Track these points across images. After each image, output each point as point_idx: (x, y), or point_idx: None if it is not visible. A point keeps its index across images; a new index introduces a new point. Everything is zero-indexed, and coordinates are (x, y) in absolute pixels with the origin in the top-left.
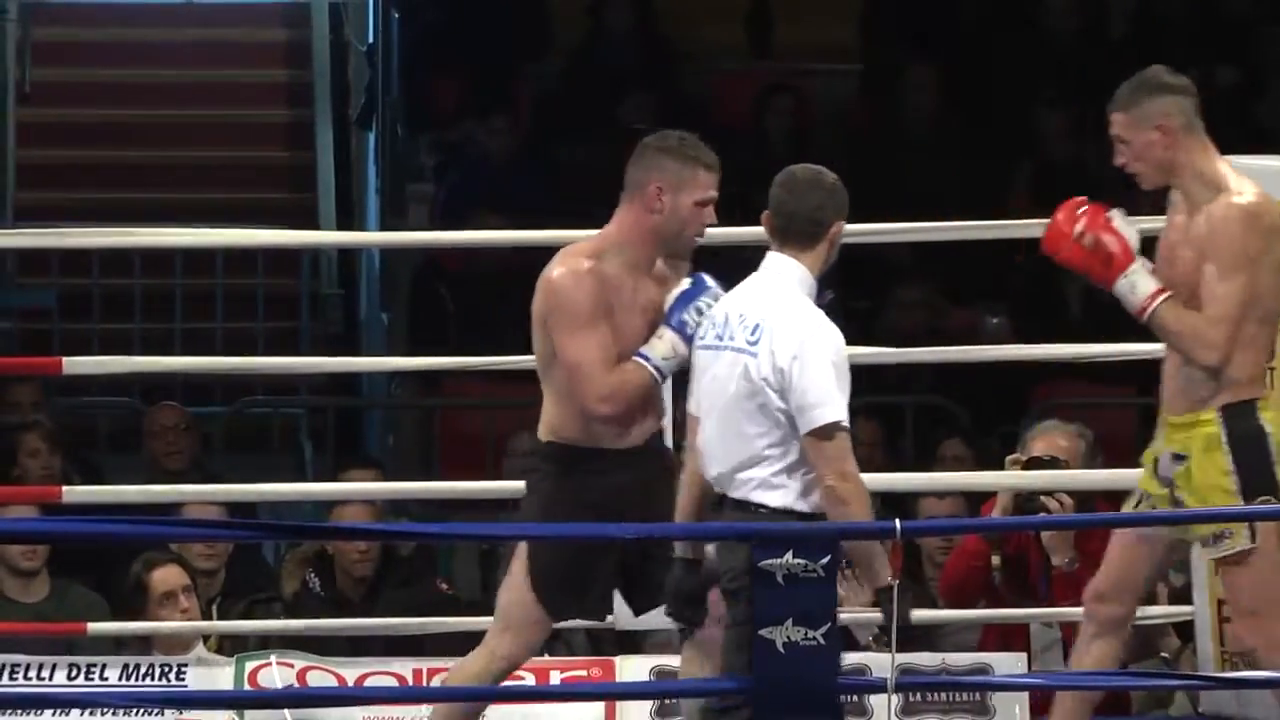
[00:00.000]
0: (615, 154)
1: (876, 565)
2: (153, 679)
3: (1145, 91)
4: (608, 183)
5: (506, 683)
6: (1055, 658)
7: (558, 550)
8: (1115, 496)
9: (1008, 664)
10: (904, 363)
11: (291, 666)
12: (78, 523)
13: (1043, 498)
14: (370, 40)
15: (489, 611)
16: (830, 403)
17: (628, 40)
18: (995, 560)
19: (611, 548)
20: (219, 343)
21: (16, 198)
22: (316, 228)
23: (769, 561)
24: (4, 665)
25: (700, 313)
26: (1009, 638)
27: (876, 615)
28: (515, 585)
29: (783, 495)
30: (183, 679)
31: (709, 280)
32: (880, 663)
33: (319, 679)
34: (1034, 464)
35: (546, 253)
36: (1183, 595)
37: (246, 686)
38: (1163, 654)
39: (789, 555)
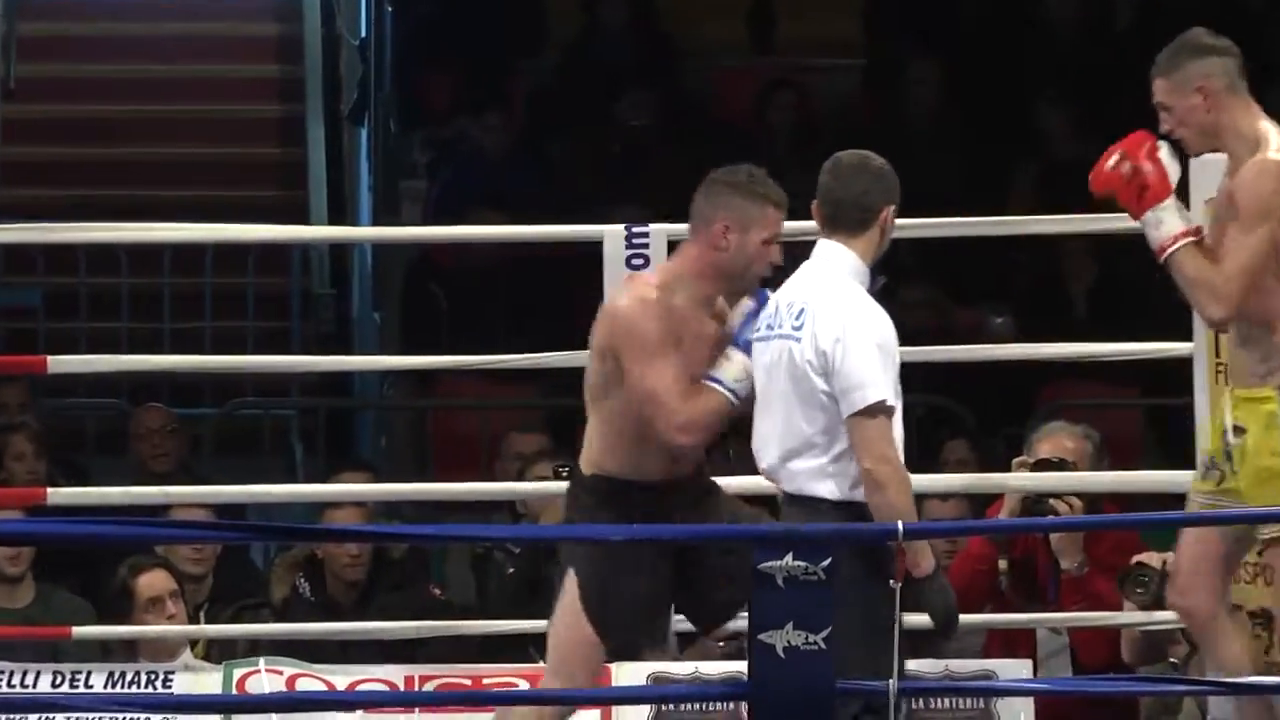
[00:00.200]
0: (611, 150)
1: (918, 555)
2: (139, 686)
3: (1186, 54)
4: (603, 180)
5: (499, 689)
6: (1062, 664)
7: (619, 588)
8: (1122, 499)
9: (1012, 670)
10: (907, 363)
11: (281, 673)
12: (62, 524)
13: (1052, 500)
14: (363, 34)
15: (482, 616)
16: (873, 384)
17: (624, 36)
18: (1003, 564)
19: (664, 570)
20: (208, 343)
21: (1, 195)
22: (308, 225)
23: (769, 564)
24: None
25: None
26: (1014, 643)
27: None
28: (572, 625)
29: (838, 485)
30: (169, 686)
31: (772, 295)
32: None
33: (308, 686)
34: (1043, 466)
35: (541, 250)
36: None
37: (235, 693)
38: (1171, 659)
39: (789, 558)
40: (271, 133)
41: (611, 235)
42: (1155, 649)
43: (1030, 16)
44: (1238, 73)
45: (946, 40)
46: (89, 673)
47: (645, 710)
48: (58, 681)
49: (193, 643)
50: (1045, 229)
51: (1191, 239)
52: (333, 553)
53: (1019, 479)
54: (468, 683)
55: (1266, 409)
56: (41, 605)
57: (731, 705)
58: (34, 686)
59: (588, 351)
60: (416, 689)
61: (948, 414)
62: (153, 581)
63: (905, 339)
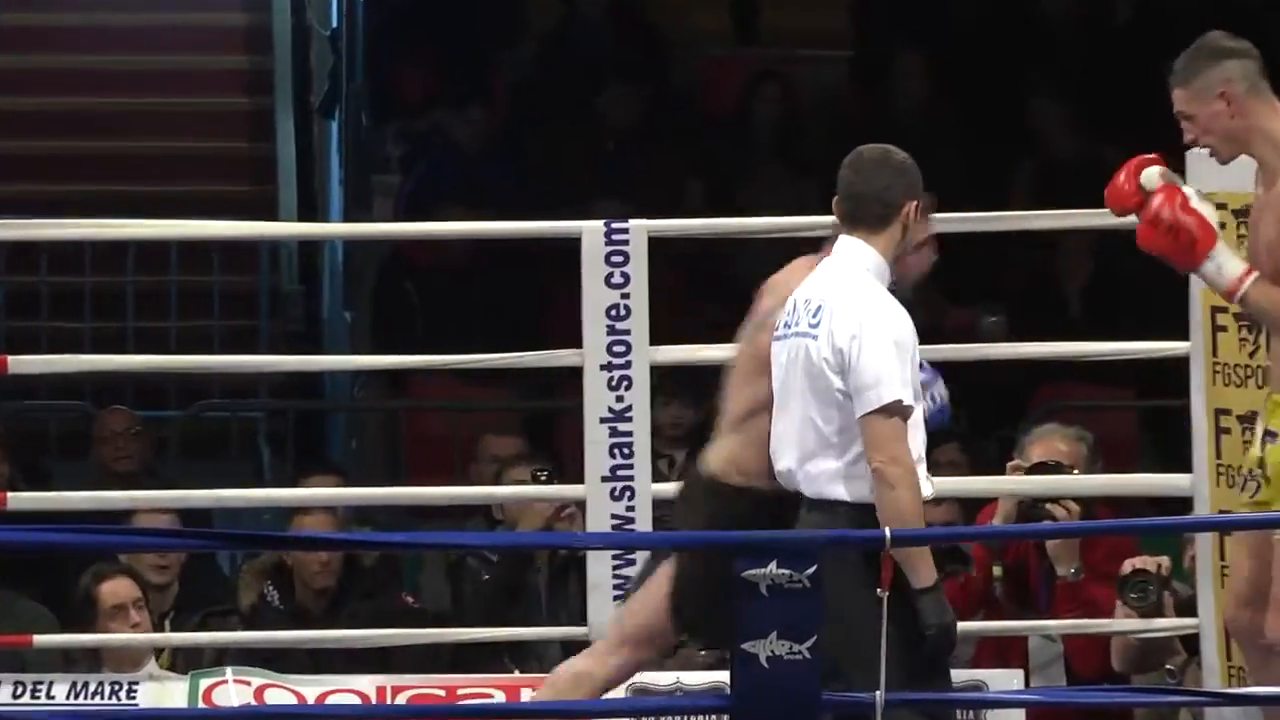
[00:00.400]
0: (591, 144)
1: (917, 564)
2: (102, 697)
3: (1204, 60)
4: (581, 174)
5: (473, 701)
6: (1056, 673)
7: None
8: (1117, 502)
9: (1003, 680)
10: None
11: (249, 684)
12: (21, 532)
13: (1049, 505)
14: (334, 25)
15: (456, 624)
16: (887, 382)
17: (604, 26)
18: (996, 571)
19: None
20: (173, 342)
21: None
22: (277, 220)
23: (752, 572)
24: None
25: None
26: (1006, 652)
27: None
28: (653, 608)
29: (856, 488)
30: (134, 697)
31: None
32: None
33: (277, 697)
34: (1038, 469)
35: (517, 246)
36: (1188, 607)
37: (201, 705)
38: (1167, 667)
39: (773, 566)
40: (240, 126)
41: (590, 232)
42: (1149, 657)
43: (1027, 12)
44: (1259, 74)
45: (936, 33)
46: (50, 683)
47: None
48: (19, 692)
49: (158, 652)
50: (1041, 224)
51: (1256, 274)
52: (302, 559)
53: (1011, 483)
54: (441, 694)
55: None
56: (2, 613)
57: (714, 718)
58: None
59: (578, 351)
60: (388, 700)
61: None
62: (116, 589)
63: None
